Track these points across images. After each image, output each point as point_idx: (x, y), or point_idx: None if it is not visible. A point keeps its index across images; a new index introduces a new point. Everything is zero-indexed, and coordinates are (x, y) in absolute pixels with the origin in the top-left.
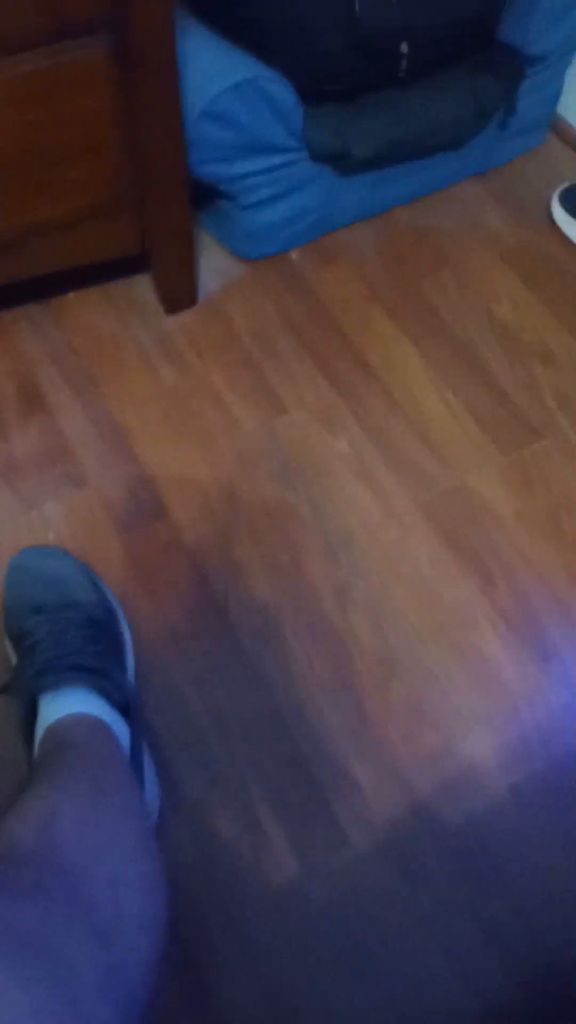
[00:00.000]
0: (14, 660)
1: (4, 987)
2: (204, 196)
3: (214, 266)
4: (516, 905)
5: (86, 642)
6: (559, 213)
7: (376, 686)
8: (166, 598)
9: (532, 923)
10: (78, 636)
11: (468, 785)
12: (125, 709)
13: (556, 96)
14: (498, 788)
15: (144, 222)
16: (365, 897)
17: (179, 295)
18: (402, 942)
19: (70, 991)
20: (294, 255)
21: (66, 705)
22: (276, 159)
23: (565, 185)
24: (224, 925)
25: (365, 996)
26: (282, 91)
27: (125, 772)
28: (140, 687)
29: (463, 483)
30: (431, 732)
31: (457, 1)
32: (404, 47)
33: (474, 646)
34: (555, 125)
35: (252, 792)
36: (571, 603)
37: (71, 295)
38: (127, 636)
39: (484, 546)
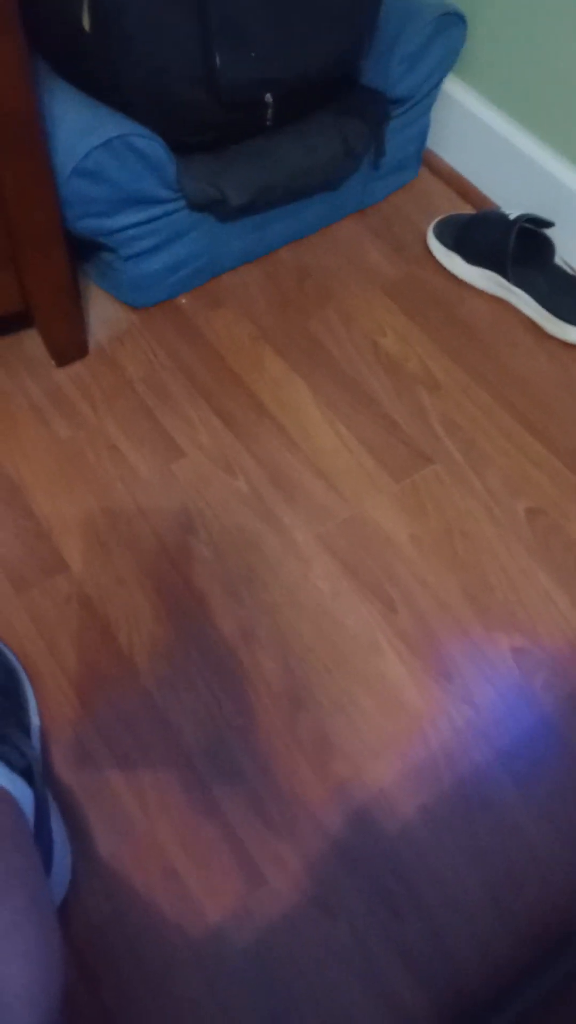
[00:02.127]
0: None
1: None
2: (87, 248)
3: (103, 316)
4: (430, 925)
5: None
6: (434, 244)
7: (284, 721)
8: (70, 653)
9: (445, 941)
10: None
11: (379, 811)
12: (28, 772)
13: (425, 132)
14: (408, 811)
15: (23, 279)
16: (285, 936)
17: (68, 347)
18: (323, 978)
19: None
20: (183, 301)
21: None
22: (154, 210)
23: (439, 217)
24: (143, 980)
25: None
26: (152, 145)
27: (16, 837)
28: (47, 746)
29: (359, 512)
30: (341, 762)
31: (314, 52)
32: (268, 97)
33: (378, 672)
34: (427, 159)
35: (165, 842)
36: (468, 621)
37: None
38: (30, 696)
39: (383, 573)
